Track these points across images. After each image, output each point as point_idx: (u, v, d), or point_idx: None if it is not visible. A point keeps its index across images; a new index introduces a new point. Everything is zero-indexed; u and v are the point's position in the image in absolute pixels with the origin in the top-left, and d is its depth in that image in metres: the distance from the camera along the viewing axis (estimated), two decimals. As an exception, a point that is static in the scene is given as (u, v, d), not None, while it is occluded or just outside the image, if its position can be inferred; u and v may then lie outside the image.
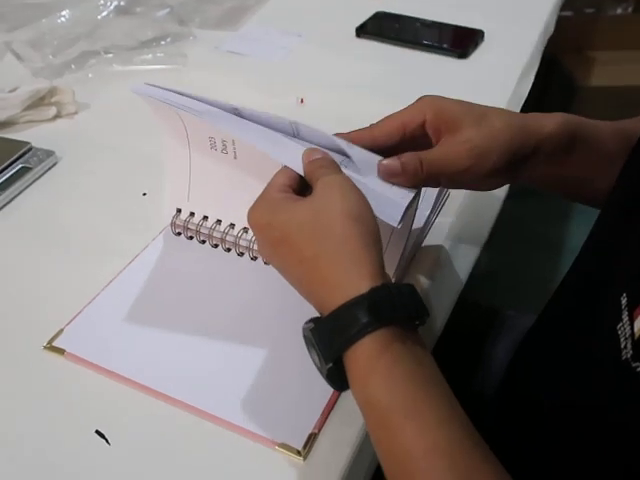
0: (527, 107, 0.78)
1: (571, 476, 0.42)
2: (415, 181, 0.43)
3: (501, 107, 0.71)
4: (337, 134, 0.46)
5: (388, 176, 0.43)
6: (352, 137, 0.46)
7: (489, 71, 0.81)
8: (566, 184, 0.50)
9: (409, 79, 0.80)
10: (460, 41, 0.85)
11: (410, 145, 0.45)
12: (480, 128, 0.44)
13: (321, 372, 0.37)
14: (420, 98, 0.46)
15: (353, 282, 0.36)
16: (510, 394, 0.56)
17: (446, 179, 0.45)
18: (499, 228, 0.64)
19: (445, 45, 0.85)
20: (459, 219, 0.59)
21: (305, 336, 0.38)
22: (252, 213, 0.41)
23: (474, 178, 0.45)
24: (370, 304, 0.35)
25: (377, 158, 0.44)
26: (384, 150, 0.45)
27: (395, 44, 0.87)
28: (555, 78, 1.61)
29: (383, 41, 0.87)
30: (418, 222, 0.52)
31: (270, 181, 0.42)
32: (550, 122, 0.45)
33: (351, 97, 0.76)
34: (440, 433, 0.33)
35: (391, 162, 0.43)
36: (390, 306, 0.35)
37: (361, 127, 0.46)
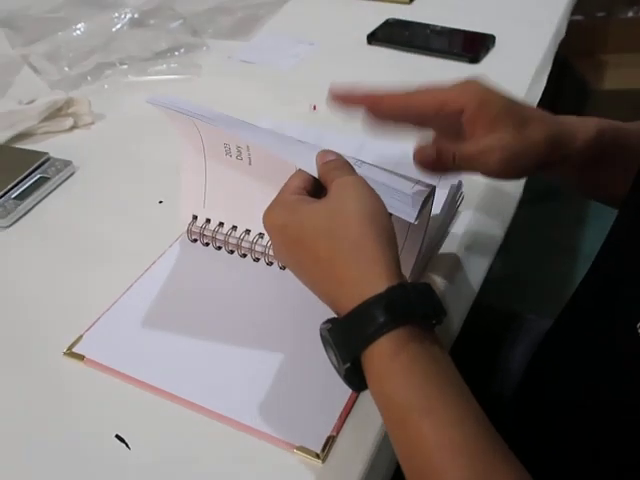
0: (540, 111, 0.78)
1: (592, 476, 0.41)
2: (443, 172, 0.44)
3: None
4: (370, 92, 0.45)
5: (420, 161, 0.44)
6: (386, 98, 0.45)
7: (501, 75, 0.78)
8: (591, 187, 0.51)
9: (420, 84, 0.80)
10: (471, 46, 0.85)
11: (436, 125, 0.45)
12: (519, 136, 0.43)
13: (339, 373, 0.37)
14: (466, 82, 0.45)
15: (370, 281, 0.36)
16: (529, 396, 0.56)
17: (471, 172, 0.45)
18: (513, 233, 0.64)
19: (456, 50, 0.85)
20: (473, 223, 0.59)
21: (322, 336, 0.38)
22: (268, 215, 0.41)
23: (499, 177, 0.46)
24: (387, 303, 0.35)
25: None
26: (410, 120, 0.45)
27: (406, 50, 0.87)
28: (568, 82, 1.61)
29: (394, 48, 0.88)
30: (433, 224, 0.52)
31: (285, 184, 0.43)
32: (583, 133, 0.45)
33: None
34: (457, 431, 0.33)
35: (427, 149, 0.43)
36: (407, 305, 0.35)
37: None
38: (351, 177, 0.41)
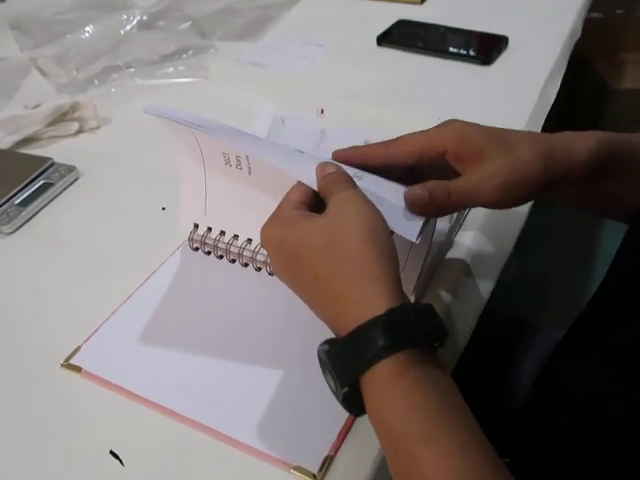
0: (557, 113, 0.76)
1: None
2: (441, 212, 0.42)
3: (526, 115, 0.71)
4: (352, 147, 0.45)
5: (414, 206, 0.41)
6: (366, 151, 0.45)
7: (513, 78, 0.79)
8: (596, 203, 0.49)
9: (432, 88, 0.79)
10: (483, 48, 0.83)
11: (428, 167, 0.43)
12: (508, 160, 0.41)
13: (337, 397, 0.36)
14: (444, 123, 0.44)
15: (370, 302, 0.35)
16: (538, 409, 0.55)
17: (472, 207, 0.44)
18: (528, 235, 0.62)
19: (468, 52, 0.83)
20: (482, 230, 0.58)
21: (320, 359, 0.37)
22: (265, 231, 0.41)
23: (500, 206, 0.44)
24: (387, 326, 0.34)
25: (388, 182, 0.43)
26: (399, 168, 0.43)
27: (417, 52, 0.86)
28: (585, 81, 1.58)
29: (405, 49, 0.86)
30: (439, 235, 0.51)
31: (283, 198, 0.42)
32: (582, 147, 0.42)
33: (373, 107, 0.74)
34: (457, 461, 0.32)
35: (418, 192, 0.41)
36: (408, 328, 0.34)
37: (381, 140, 0.45)
38: (350, 192, 0.39)
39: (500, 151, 0.41)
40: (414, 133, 0.44)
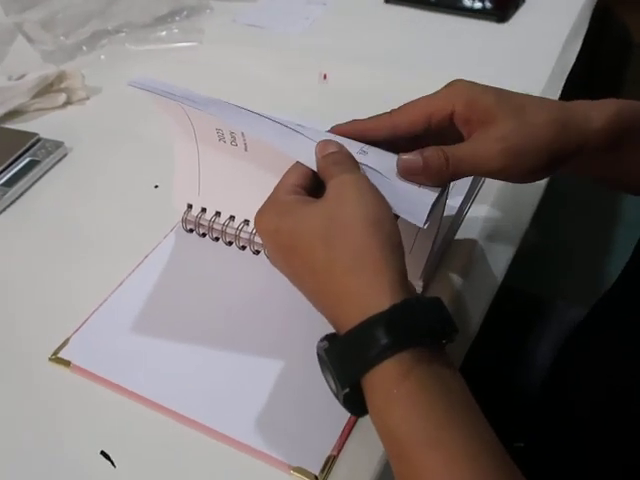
0: (578, 71, 0.71)
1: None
2: (439, 180, 0.38)
3: (545, 76, 0.66)
4: (354, 121, 0.41)
5: (408, 173, 0.38)
6: (370, 124, 0.41)
7: (531, 36, 0.74)
8: (614, 178, 0.45)
9: (443, 48, 0.74)
10: (499, 3, 0.78)
11: (436, 136, 0.40)
12: (518, 125, 0.38)
13: (337, 397, 0.34)
14: (450, 84, 0.41)
15: (372, 297, 0.32)
16: (554, 394, 0.53)
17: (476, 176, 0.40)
18: (546, 201, 0.58)
19: (482, 8, 0.78)
20: (496, 207, 0.54)
21: (319, 356, 0.34)
22: (259, 218, 0.37)
23: (509, 176, 0.40)
24: (390, 324, 0.31)
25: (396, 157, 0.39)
26: (405, 140, 0.40)
27: (427, 9, 0.81)
28: (609, 35, 1.50)
29: (414, 6, 0.82)
30: (449, 213, 0.48)
31: (279, 181, 0.38)
32: (599, 115, 0.39)
33: (379, 71, 0.70)
34: (467, 467, 0.29)
35: (412, 157, 0.38)
36: (412, 326, 0.31)
37: (386, 109, 0.41)
38: (352, 175, 0.36)
39: (510, 115, 0.38)
40: (419, 99, 0.41)
